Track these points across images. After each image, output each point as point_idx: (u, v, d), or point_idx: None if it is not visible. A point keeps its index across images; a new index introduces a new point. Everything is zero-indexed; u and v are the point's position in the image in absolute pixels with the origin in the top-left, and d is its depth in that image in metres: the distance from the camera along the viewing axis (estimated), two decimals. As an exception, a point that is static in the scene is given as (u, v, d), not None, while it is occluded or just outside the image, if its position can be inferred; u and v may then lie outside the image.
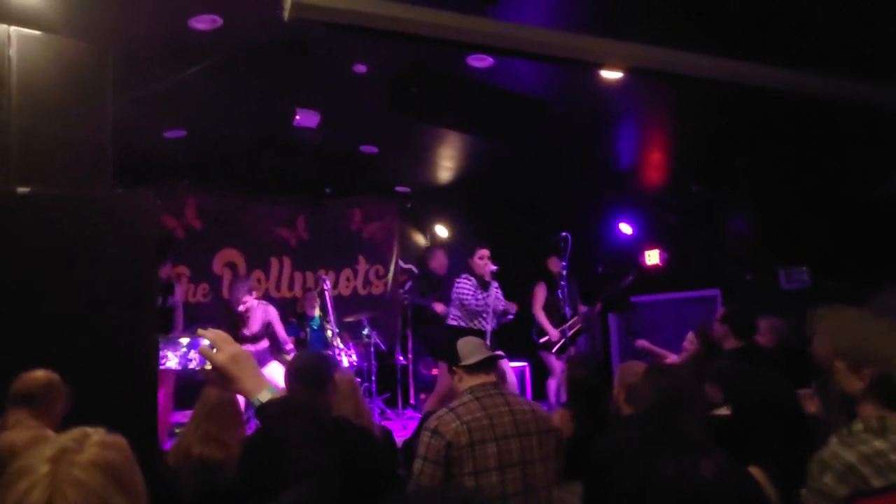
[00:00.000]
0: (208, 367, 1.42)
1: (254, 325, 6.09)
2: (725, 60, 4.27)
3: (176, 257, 6.22)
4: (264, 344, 6.18)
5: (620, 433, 2.88)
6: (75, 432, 1.12)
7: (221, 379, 1.41)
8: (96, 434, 1.12)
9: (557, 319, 6.42)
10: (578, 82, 5.06)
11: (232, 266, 7.83)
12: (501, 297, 5.94)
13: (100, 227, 3.19)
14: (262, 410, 1.38)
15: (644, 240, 7.84)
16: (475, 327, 5.72)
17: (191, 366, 1.14)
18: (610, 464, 2.60)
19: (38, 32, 3.39)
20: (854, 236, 5.48)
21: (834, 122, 5.16)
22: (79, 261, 3.07)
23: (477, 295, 5.76)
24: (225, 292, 7.70)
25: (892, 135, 5.07)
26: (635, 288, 7.79)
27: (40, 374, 2.58)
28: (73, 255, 3.07)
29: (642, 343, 5.64)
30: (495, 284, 5.88)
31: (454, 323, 5.86)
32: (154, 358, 3.45)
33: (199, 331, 1.46)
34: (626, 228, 7.91)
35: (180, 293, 6.06)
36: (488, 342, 5.34)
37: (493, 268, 5.79)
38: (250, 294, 6.23)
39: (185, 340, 1.18)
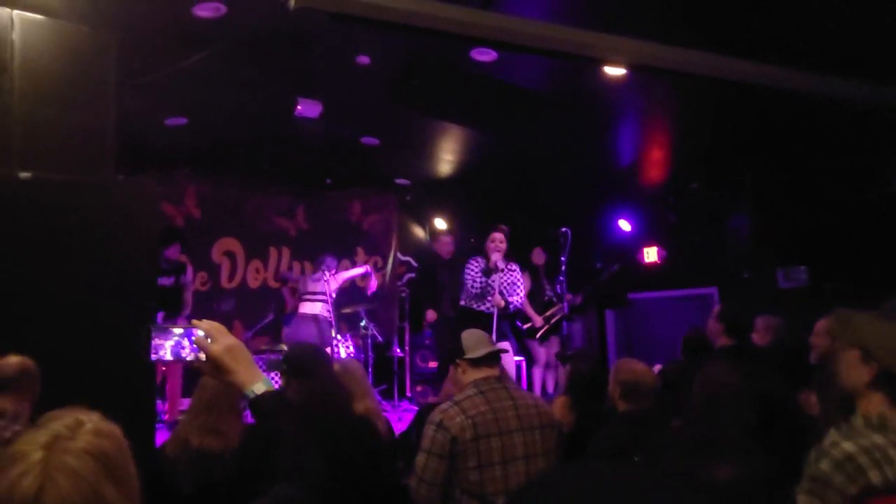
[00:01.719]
0: (202, 356, 1.40)
1: None
2: (727, 59, 4.27)
3: (184, 243, 6.35)
4: None
5: (617, 429, 2.90)
6: (69, 419, 1.11)
7: (215, 370, 1.40)
8: (90, 421, 1.12)
9: (540, 307, 6.64)
10: (581, 78, 5.06)
11: (230, 255, 7.83)
12: (514, 285, 5.79)
13: (101, 213, 3.19)
14: (256, 403, 1.37)
15: (643, 237, 7.85)
16: (481, 309, 5.69)
17: (183, 354, 1.13)
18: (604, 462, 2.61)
19: (41, 16, 3.38)
20: (853, 236, 5.50)
21: (834, 122, 5.17)
22: (80, 247, 3.07)
23: (477, 278, 5.73)
24: (223, 281, 7.72)
25: (893, 133, 5.08)
26: (633, 284, 7.81)
27: (13, 359, 2.53)
28: (75, 240, 3.07)
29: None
30: (511, 268, 5.79)
31: (463, 303, 5.90)
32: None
33: (194, 321, 1.45)
34: (624, 225, 7.92)
35: (191, 273, 6.33)
36: (495, 326, 5.39)
37: (498, 256, 5.67)
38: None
39: (178, 330, 1.18)
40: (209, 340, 1.40)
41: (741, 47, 4.22)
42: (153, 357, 1.47)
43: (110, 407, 1.77)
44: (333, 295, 6.74)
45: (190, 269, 6.33)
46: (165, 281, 5.98)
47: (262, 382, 1.39)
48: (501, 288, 5.62)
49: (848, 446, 1.38)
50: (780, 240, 6.32)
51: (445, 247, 7.87)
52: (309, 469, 1.33)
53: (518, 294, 5.78)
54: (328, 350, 6.32)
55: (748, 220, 6.78)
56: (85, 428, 1.10)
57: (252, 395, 1.37)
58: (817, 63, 4.32)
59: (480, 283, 5.68)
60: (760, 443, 1.93)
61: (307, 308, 6.95)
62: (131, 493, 1.10)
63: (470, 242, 7.32)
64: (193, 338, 1.43)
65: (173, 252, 6.07)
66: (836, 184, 5.67)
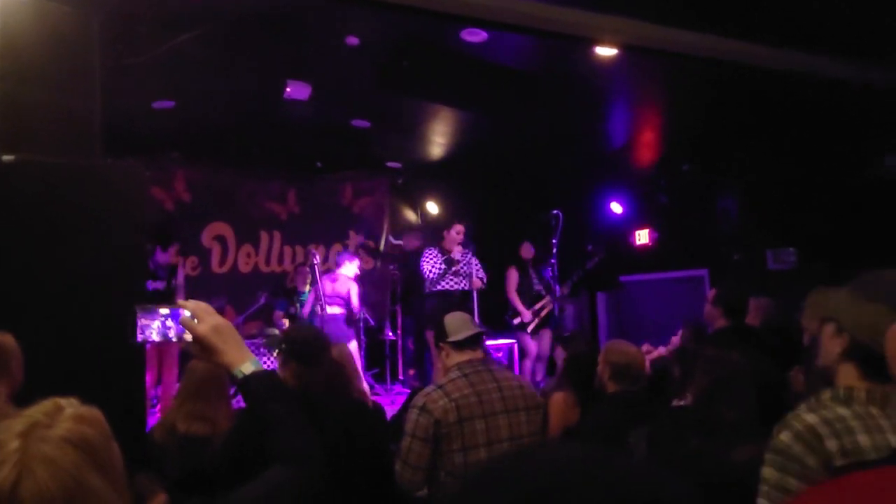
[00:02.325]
0: (188, 337, 1.39)
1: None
2: (719, 39, 4.25)
3: (178, 240, 6.28)
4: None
5: (607, 411, 2.91)
6: (48, 404, 1.08)
7: (203, 350, 1.37)
8: (70, 406, 1.08)
9: (530, 300, 6.66)
10: (572, 59, 5.03)
11: (221, 239, 7.80)
12: (478, 264, 6.35)
13: (88, 195, 3.14)
14: (245, 383, 1.35)
15: (634, 219, 7.86)
16: (446, 288, 6.24)
17: (170, 335, 1.12)
18: (599, 443, 2.62)
19: (23, -4, 3.31)
20: (842, 218, 5.52)
21: (825, 104, 5.17)
22: (66, 230, 3.03)
23: (436, 265, 6.20)
24: (214, 265, 7.68)
25: (883, 116, 5.08)
26: (624, 267, 7.82)
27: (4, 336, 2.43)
28: (61, 223, 3.03)
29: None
30: (467, 253, 6.32)
31: (429, 290, 6.32)
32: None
33: (179, 301, 1.43)
34: (616, 208, 7.92)
35: (182, 276, 6.23)
36: (476, 305, 5.95)
37: (458, 247, 6.24)
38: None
39: (164, 310, 1.16)
40: (195, 321, 1.38)
41: (733, 27, 4.20)
42: (139, 338, 1.44)
43: (98, 392, 1.75)
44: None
45: (181, 271, 6.20)
46: (158, 285, 5.90)
47: (250, 362, 1.37)
48: (475, 270, 6.23)
49: (809, 417, 1.39)
50: (769, 221, 6.34)
51: (411, 242, 8.12)
52: (302, 451, 1.30)
53: (482, 271, 6.39)
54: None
55: (738, 201, 6.79)
56: (64, 414, 1.06)
57: (240, 376, 1.35)
58: (808, 43, 4.31)
59: (440, 270, 6.19)
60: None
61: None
62: (117, 479, 1.06)
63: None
64: (179, 318, 1.41)
65: (165, 258, 5.99)
66: (827, 166, 5.68)
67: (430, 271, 6.20)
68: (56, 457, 0.99)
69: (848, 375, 1.43)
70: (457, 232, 6.27)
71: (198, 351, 1.39)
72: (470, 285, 6.21)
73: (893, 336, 1.25)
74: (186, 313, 1.40)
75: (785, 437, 1.39)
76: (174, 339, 1.44)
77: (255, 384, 1.35)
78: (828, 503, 0.80)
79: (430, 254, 6.31)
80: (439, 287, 6.22)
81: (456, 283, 6.26)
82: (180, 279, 6.14)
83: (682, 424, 2.39)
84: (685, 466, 2.01)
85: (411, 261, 7.61)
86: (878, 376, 1.36)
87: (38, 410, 1.06)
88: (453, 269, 6.18)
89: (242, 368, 1.36)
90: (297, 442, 1.31)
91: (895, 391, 1.38)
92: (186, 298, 6.10)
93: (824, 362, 1.50)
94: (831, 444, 1.33)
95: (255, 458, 1.27)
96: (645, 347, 5.37)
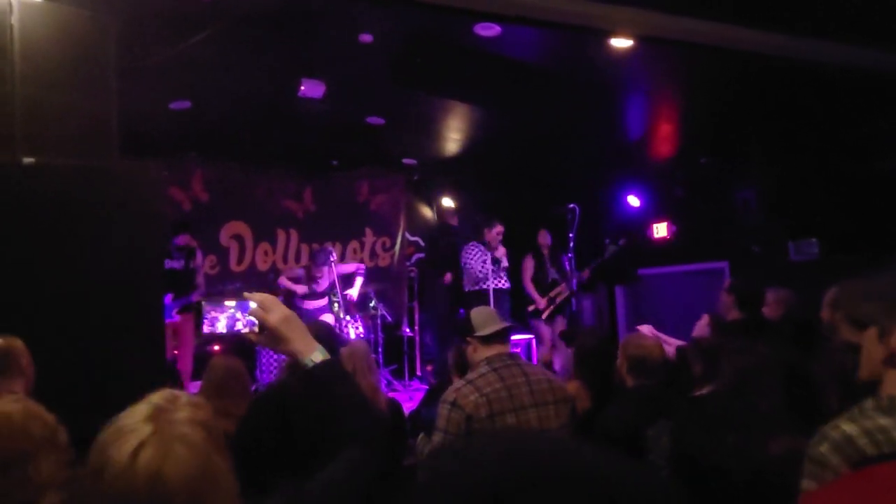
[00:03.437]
0: (256, 329, 1.41)
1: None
2: (736, 28, 4.19)
3: (192, 231, 6.44)
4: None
5: (626, 406, 2.89)
6: (163, 393, 1.12)
7: (272, 340, 1.40)
8: (182, 395, 1.14)
9: (545, 288, 6.77)
10: (587, 51, 4.99)
11: (239, 238, 7.85)
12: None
13: (106, 197, 3.18)
14: (314, 372, 1.39)
15: (652, 212, 7.79)
16: (487, 287, 6.40)
17: (237, 327, 1.13)
18: (619, 437, 2.60)
19: (39, 0, 3.35)
20: (865, 208, 5.42)
21: (845, 91, 5.08)
22: (85, 232, 3.07)
23: (485, 266, 6.33)
24: (232, 264, 7.73)
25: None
26: (642, 260, 7.76)
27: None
28: (80, 226, 3.06)
29: (646, 328, 5.51)
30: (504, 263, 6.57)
31: (469, 289, 6.55)
32: (161, 329, 3.47)
33: (246, 293, 1.44)
34: (633, 201, 7.85)
35: (201, 257, 6.47)
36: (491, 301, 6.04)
37: (501, 247, 6.47)
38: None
39: (231, 302, 1.17)
40: (264, 311, 1.40)
41: (751, 16, 4.13)
42: (207, 329, 1.44)
43: (121, 390, 1.77)
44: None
45: (199, 253, 6.43)
46: (175, 264, 6.09)
47: (318, 351, 1.41)
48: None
49: (848, 428, 1.33)
50: (790, 212, 6.25)
51: (452, 219, 8.44)
52: (373, 431, 1.35)
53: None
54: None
55: (758, 192, 6.70)
56: (181, 400, 1.11)
57: (311, 364, 1.39)
58: (828, 31, 4.23)
59: (489, 268, 6.32)
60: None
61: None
62: (229, 463, 1.11)
63: (476, 221, 7.36)
64: (249, 309, 1.42)
65: (182, 239, 6.19)
66: (848, 154, 5.58)
67: (480, 270, 6.38)
68: (191, 437, 1.04)
69: (893, 384, 1.37)
70: (497, 232, 6.51)
71: (267, 341, 1.42)
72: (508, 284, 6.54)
73: None
74: (254, 305, 1.41)
75: (824, 448, 1.34)
76: (243, 331, 1.45)
77: (324, 372, 1.39)
78: (851, 494, 0.78)
79: (475, 249, 6.53)
80: (482, 286, 6.41)
81: (499, 281, 6.51)
82: (199, 260, 6.37)
83: (709, 416, 2.36)
84: (721, 460, 1.98)
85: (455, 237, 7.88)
86: None
87: (156, 398, 1.11)
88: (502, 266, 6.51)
89: (312, 357, 1.40)
90: (366, 422, 1.36)
91: None
92: (205, 283, 6.22)
93: (867, 372, 1.43)
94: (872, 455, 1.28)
95: (274, 448, 1.28)
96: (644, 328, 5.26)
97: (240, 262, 7.84)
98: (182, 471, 1.00)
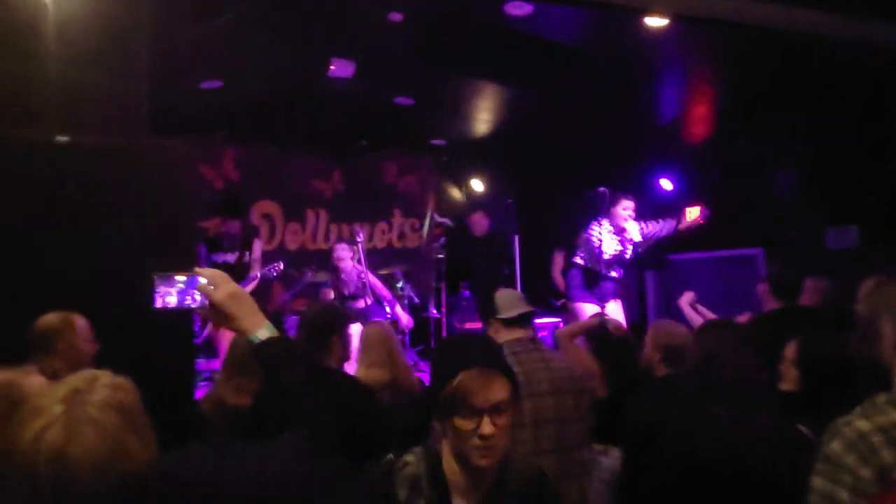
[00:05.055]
0: (205, 304, 1.41)
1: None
2: (774, 6, 4.05)
3: (243, 215, 6.24)
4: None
5: (658, 396, 2.83)
6: (85, 373, 1.15)
7: (219, 316, 1.40)
8: (105, 376, 1.15)
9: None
10: (621, 31, 4.88)
11: (268, 217, 7.91)
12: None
13: (137, 176, 3.22)
14: (259, 349, 1.37)
15: (685, 196, 7.63)
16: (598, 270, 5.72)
17: (188, 302, 1.15)
18: (651, 429, 2.56)
19: (73, -20, 3.37)
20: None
21: (889, 73, 4.89)
22: (116, 210, 3.11)
23: (604, 245, 5.61)
24: (263, 243, 7.80)
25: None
26: (674, 245, 7.62)
27: (50, 316, 2.58)
28: (111, 204, 3.11)
29: (689, 295, 4.92)
30: (630, 240, 5.87)
31: (581, 262, 5.86)
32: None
33: (196, 269, 1.45)
34: (666, 184, 7.70)
35: (259, 248, 6.05)
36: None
37: (624, 225, 5.72)
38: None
39: (181, 278, 1.19)
40: (212, 287, 1.40)
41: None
42: (158, 304, 1.47)
43: (149, 365, 1.79)
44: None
45: (258, 244, 5.98)
46: (227, 257, 5.79)
47: (265, 328, 1.39)
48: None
49: (862, 424, 1.28)
50: (828, 198, 6.07)
51: (478, 225, 7.71)
52: (317, 418, 1.33)
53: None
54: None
55: (795, 177, 6.51)
56: (101, 382, 1.13)
57: (256, 341, 1.37)
58: (871, 9, 4.06)
59: (606, 246, 5.59)
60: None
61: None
62: (150, 442, 1.13)
63: (507, 204, 7.21)
64: (197, 285, 1.43)
65: (233, 227, 5.87)
66: (890, 138, 5.38)
67: (608, 252, 5.66)
68: (100, 419, 1.06)
69: None
70: (623, 208, 5.71)
71: (214, 317, 1.42)
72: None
73: None
74: (203, 280, 1.42)
75: (836, 445, 1.29)
76: (193, 306, 1.46)
77: (269, 350, 1.37)
78: None
79: (598, 230, 5.70)
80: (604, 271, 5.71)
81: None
82: (256, 254, 5.91)
83: (667, 394, 2.43)
84: (712, 433, 1.99)
85: (481, 246, 7.45)
86: None
87: (76, 378, 1.13)
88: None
89: (258, 334, 1.38)
90: (308, 408, 1.33)
91: None
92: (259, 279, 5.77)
93: (885, 359, 1.37)
94: (887, 455, 1.23)
95: (277, 424, 1.28)
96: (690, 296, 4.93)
97: (270, 240, 7.91)
98: (87, 452, 1.02)
